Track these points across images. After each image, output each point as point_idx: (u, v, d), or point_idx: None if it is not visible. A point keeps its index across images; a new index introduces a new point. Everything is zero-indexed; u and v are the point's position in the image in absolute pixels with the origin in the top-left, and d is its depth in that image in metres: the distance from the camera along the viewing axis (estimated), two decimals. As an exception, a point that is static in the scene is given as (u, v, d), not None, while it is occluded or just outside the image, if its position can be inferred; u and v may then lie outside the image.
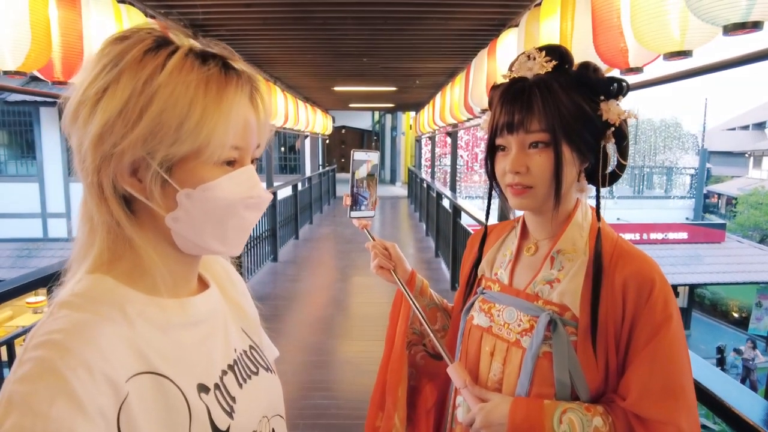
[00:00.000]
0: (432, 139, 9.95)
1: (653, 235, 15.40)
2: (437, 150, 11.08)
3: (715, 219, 22.25)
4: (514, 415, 0.81)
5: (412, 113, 13.29)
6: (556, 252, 0.88)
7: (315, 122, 8.83)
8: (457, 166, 7.88)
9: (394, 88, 7.76)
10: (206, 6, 3.24)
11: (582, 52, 1.92)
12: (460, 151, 14.48)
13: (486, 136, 0.90)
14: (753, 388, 11.56)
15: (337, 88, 7.70)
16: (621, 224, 16.16)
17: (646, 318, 0.78)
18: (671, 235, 15.51)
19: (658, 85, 1.83)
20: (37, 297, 7.62)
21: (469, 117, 4.62)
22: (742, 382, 11.56)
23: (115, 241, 0.57)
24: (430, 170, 10.09)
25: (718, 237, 15.64)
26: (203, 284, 0.69)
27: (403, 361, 1.07)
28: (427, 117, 8.09)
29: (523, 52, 0.89)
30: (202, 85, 0.55)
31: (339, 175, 15.64)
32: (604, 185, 0.87)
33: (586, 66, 0.86)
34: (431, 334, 0.99)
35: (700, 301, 17.39)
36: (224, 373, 0.63)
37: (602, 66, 1.81)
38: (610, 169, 0.89)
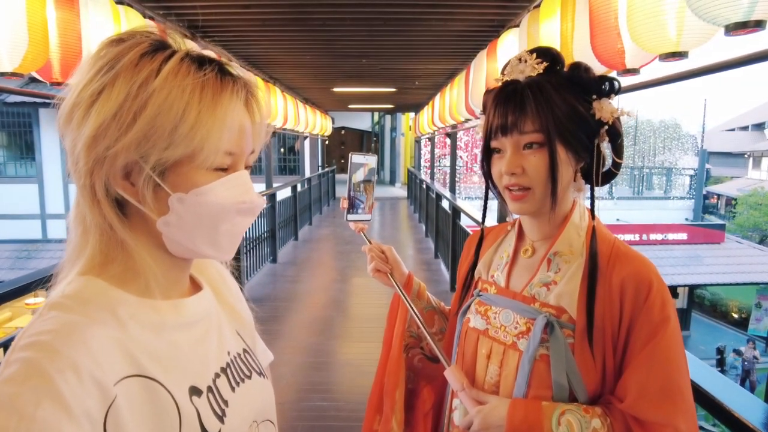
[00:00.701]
0: (431, 139, 9.96)
1: (653, 236, 15.41)
2: (437, 151, 11.11)
3: (714, 220, 22.29)
4: (513, 417, 0.81)
5: (412, 114, 13.30)
6: (552, 254, 0.88)
7: (314, 123, 8.83)
8: (457, 167, 7.88)
9: (393, 89, 7.77)
10: (204, 7, 3.24)
11: (582, 52, 1.92)
12: (459, 152, 14.49)
13: (481, 140, 0.90)
14: (752, 388, 11.57)
15: (336, 89, 7.71)
16: (621, 225, 16.16)
17: (644, 319, 0.78)
18: (671, 236, 15.51)
19: (656, 86, 1.82)
20: (37, 298, 7.60)
21: (469, 118, 4.62)
22: (742, 382, 11.57)
23: (107, 244, 0.57)
24: (429, 171, 10.10)
25: (718, 238, 15.65)
26: (196, 286, 0.69)
27: (400, 365, 1.07)
28: (427, 118, 8.10)
29: (515, 56, 0.89)
30: (198, 90, 0.55)
31: (338, 176, 15.64)
32: (599, 184, 0.88)
33: (577, 66, 0.86)
34: (428, 337, 0.99)
35: (700, 302, 17.39)
36: (217, 375, 0.63)
37: (600, 67, 1.81)
38: (606, 167, 0.89)
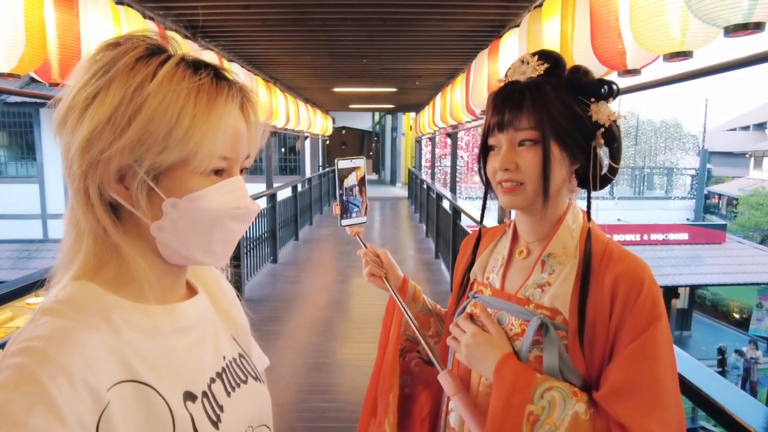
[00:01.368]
0: (432, 139, 9.96)
1: (654, 236, 15.38)
2: (437, 151, 11.09)
3: (715, 220, 22.24)
4: (502, 369, 0.82)
5: (413, 114, 13.30)
6: (546, 255, 0.88)
7: (315, 123, 8.83)
8: (457, 167, 7.88)
9: (394, 89, 7.77)
10: (205, 7, 3.23)
11: (583, 53, 1.91)
12: (460, 152, 14.49)
13: (479, 138, 0.92)
14: (752, 388, 11.56)
15: (337, 89, 7.71)
16: (621, 225, 16.15)
17: (633, 318, 0.78)
18: (672, 236, 15.48)
19: (658, 87, 1.82)
20: (38, 298, 7.61)
21: (470, 118, 4.61)
22: (743, 383, 11.55)
23: (101, 248, 0.57)
24: (430, 171, 10.09)
25: (719, 238, 15.62)
26: (192, 291, 0.68)
27: (394, 368, 1.07)
28: (428, 118, 8.10)
29: (518, 58, 0.91)
30: (193, 95, 0.55)
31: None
32: (595, 188, 0.88)
33: (576, 69, 0.87)
34: (422, 341, 0.99)
35: (701, 302, 17.37)
36: (212, 380, 0.62)
37: (600, 68, 1.80)
38: (603, 171, 0.88)
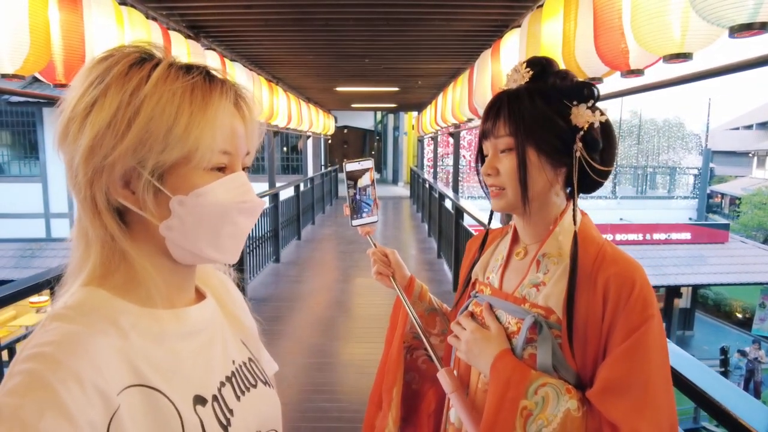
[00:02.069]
0: (434, 139, 9.95)
1: (656, 236, 15.35)
2: (439, 150, 11.10)
3: (718, 219, 22.17)
4: (498, 365, 0.84)
5: (415, 113, 13.28)
6: (541, 255, 0.90)
7: (317, 122, 8.83)
8: (460, 166, 7.87)
9: (396, 89, 7.77)
10: (207, 7, 3.24)
11: (585, 52, 1.91)
12: (462, 151, 14.48)
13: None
14: (757, 389, 11.52)
15: (339, 89, 7.71)
16: (624, 224, 16.10)
17: (625, 319, 0.78)
18: (674, 236, 15.44)
19: (659, 89, 1.81)
20: (41, 297, 7.63)
21: (472, 117, 4.61)
22: (747, 383, 11.51)
23: (109, 255, 0.58)
24: (432, 170, 10.09)
25: (722, 237, 15.57)
26: (200, 296, 0.69)
27: (399, 364, 1.10)
28: (430, 117, 8.09)
29: (513, 67, 0.94)
30: (188, 93, 0.57)
31: (341, 175, 15.58)
32: (583, 191, 0.90)
33: (556, 73, 0.90)
34: (424, 339, 1.02)
35: (704, 302, 17.32)
36: (222, 384, 0.63)
37: (603, 68, 1.80)
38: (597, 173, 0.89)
